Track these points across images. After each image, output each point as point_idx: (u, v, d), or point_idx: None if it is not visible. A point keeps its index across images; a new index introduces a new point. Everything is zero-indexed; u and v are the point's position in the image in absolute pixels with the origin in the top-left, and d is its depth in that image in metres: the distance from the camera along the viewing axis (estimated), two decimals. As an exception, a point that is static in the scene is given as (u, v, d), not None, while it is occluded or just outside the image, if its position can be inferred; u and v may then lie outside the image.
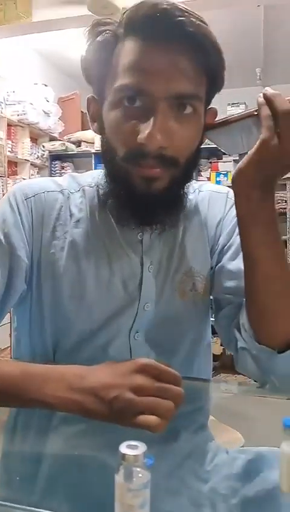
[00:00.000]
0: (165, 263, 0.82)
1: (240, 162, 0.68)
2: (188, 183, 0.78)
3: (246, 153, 0.67)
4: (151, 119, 0.67)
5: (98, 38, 0.72)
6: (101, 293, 0.79)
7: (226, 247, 0.84)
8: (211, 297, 0.87)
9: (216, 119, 0.77)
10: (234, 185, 0.69)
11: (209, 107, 0.77)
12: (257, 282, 0.71)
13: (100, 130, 0.76)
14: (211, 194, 0.89)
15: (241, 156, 0.70)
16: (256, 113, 0.68)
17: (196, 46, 0.67)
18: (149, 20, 0.66)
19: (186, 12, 0.66)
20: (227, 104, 4.87)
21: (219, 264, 0.84)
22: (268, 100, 0.65)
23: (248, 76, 5.33)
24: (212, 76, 0.72)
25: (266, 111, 0.65)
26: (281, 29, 4.45)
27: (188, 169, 0.75)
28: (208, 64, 0.70)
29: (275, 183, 0.69)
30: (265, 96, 0.66)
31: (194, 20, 0.66)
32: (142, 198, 0.72)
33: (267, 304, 0.71)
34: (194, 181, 0.87)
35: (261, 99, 0.66)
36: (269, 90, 0.66)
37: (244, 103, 5.08)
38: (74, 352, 0.80)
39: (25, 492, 0.77)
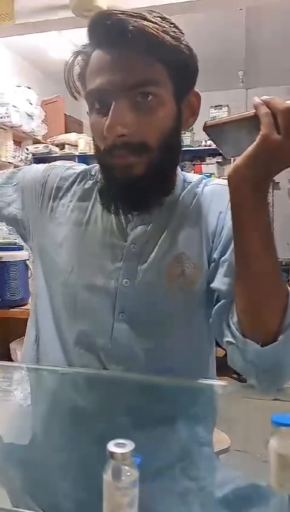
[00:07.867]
0: (152, 245, 0.84)
1: (237, 160, 0.68)
2: (174, 166, 0.85)
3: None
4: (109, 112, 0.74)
5: (78, 56, 0.81)
6: (90, 264, 0.85)
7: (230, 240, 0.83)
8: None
9: (215, 119, 0.77)
10: (231, 183, 0.69)
11: (191, 90, 0.82)
12: (250, 279, 0.71)
13: None
14: (215, 187, 0.90)
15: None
16: (253, 115, 0.68)
17: (143, 42, 0.72)
18: (102, 31, 0.74)
19: (135, 16, 0.71)
20: (210, 107, 4.89)
21: (223, 257, 0.83)
22: (266, 101, 0.66)
23: (231, 79, 5.38)
24: (172, 64, 0.76)
25: (264, 109, 0.66)
26: (262, 32, 4.49)
27: (166, 153, 0.78)
28: (160, 54, 0.74)
29: (270, 181, 0.69)
30: (262, 99, 0.67)
31: (143, 22, 0.71)
32: (125, 185, 0.78)
33: (256, 300, 0.71)
34: (205, 176, 0.93)
35: (258, 100, 0.67)
36: (263, 97, 0.67)
37: (227, 105, 5.10)
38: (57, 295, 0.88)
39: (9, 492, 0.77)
